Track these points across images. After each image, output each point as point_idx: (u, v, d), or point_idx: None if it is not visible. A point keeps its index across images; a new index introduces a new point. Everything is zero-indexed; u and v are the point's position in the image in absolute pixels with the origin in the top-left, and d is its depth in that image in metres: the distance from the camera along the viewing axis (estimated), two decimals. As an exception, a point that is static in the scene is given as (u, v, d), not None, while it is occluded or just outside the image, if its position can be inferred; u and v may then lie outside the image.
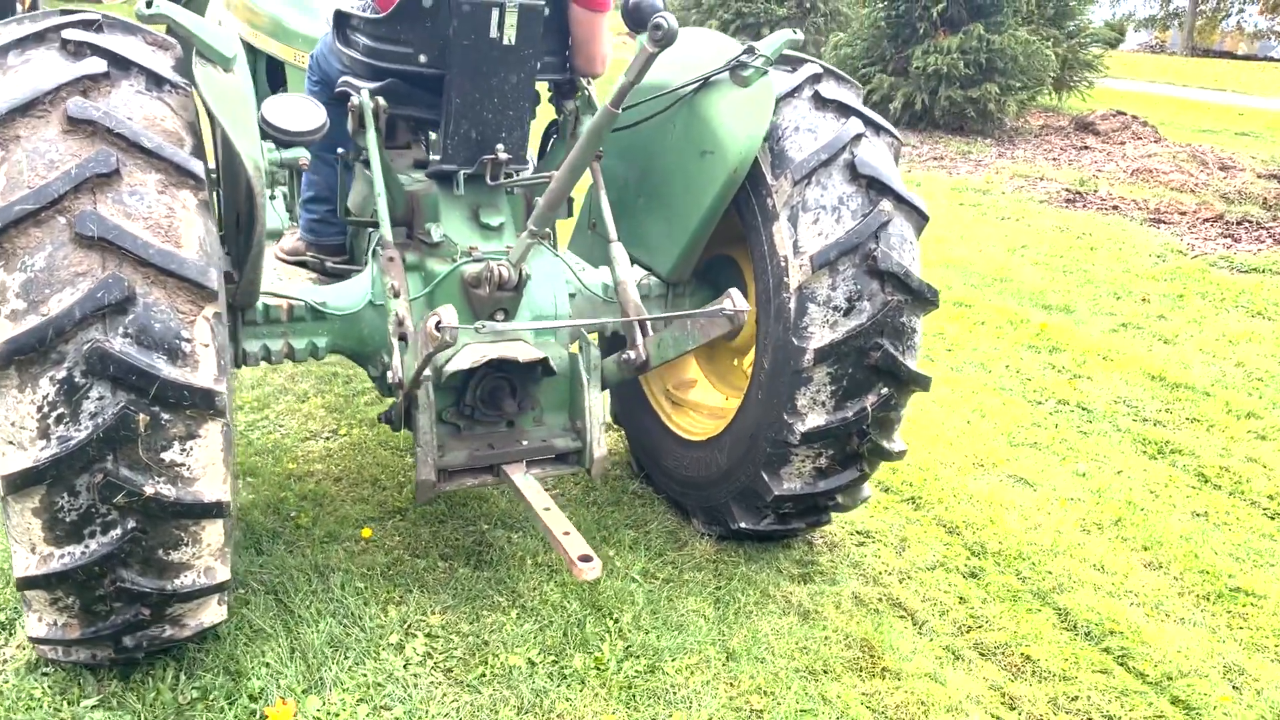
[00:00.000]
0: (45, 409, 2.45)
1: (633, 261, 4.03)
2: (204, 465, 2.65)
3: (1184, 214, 10.12)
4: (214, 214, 2.74)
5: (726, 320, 3.08)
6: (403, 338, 3.11)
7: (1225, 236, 9.36)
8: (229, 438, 2.72)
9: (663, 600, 3.62)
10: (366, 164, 4.04)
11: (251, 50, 5.18)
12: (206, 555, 2.79)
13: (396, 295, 3.18)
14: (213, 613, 2.97)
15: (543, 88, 3.76)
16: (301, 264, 4.11)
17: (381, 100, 3.28)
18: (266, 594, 3.48)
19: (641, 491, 4.36)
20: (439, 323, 2.70)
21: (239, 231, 3.11)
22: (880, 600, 3.76)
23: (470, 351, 3.24)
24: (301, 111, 2.99)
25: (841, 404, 3.45)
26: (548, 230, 3.51)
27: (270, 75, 5.17)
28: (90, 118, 2.53)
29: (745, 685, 3.24)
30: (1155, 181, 11.43)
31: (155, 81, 2.74)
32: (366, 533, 3.85)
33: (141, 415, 2.51)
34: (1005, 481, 4.72)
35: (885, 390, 3.47)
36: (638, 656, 3.32)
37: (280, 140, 2.95)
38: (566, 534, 3.00)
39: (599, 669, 3.26)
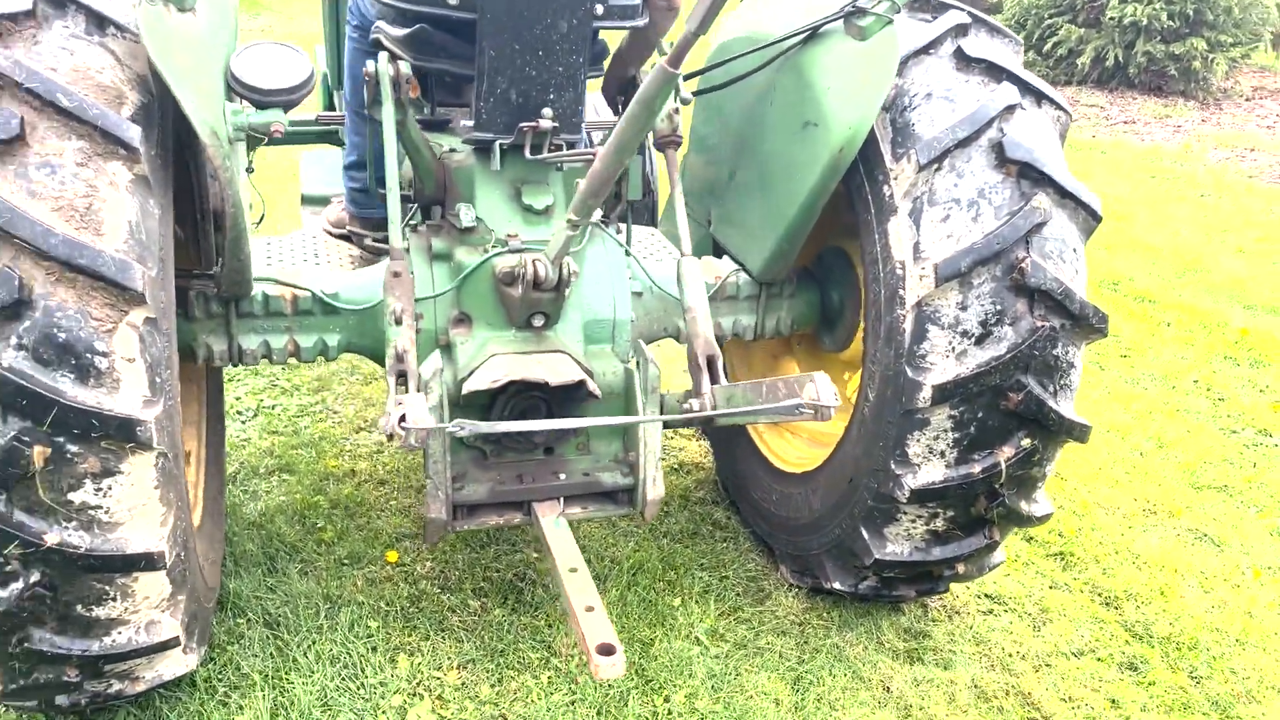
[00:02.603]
0: (-82, 436, 1.97)
1: (722, 254, 3.33)
2: (128, 508, 2.13)
3: None
4: (160, 191, 2.19)
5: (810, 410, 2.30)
6: (402, 377, 2.51)
7: None
8: (169, 474, 2.20)
9: (729, 674, 2.95)
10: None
11: None
12: (145, 609, 2.29)
13: (399, 322, 2.57)
14: (175, 664, 2.49)
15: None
16: (345, 238, 3.58)
17: (404, 67, 2.65)
18: (264, 627, 2.99)
19: (725, 523, 3.68)
20: (402, 419, 2.05)
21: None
22: (1006, 694, 2.98)
23: (491, 368, 2.62)
24: (279, 65, 2.40)
25: (966, 456, 2.67)
26: (599, 215, 2.84)
27: None
28: (-4, 69, 2.00)
29: (814, 809, 2.56)
30: (1393, 156, 9.79)
31: (98, 23, 2.20)
32: (393, 556, 3.32)
33: (39, 448, 2.00)
34: (1183, 537, 3.82)
35: (1027, 441, 2.67)
36: (685, 755, 2.68)
37: (254, 100, 2.38)
38: (590, 610, 2.36)
39: (634, 767, 2.63)
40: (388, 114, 2.65)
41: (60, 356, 1.99)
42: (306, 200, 3.88)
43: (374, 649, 2.94)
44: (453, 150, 2.96)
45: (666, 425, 2.79)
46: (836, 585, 3.08)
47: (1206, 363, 5.31)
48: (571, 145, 2.82)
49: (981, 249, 2.53)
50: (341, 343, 2.89)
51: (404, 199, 3.07)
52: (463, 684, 2.86)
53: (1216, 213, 8.04)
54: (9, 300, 1.93)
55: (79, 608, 2.19)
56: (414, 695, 2.81)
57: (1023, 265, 2.53)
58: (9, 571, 2.09)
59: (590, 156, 2.64)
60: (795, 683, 2.96)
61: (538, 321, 2.76)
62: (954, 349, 2.58)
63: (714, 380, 2.67)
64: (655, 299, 3.08)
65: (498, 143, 2.75)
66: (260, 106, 2.39)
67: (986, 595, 3.40)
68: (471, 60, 2.76)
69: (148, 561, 2.17)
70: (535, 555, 3.40)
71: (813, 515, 3.10)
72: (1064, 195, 2.61)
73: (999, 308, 2.56)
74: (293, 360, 2.89)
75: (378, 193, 3.10)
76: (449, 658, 2.94)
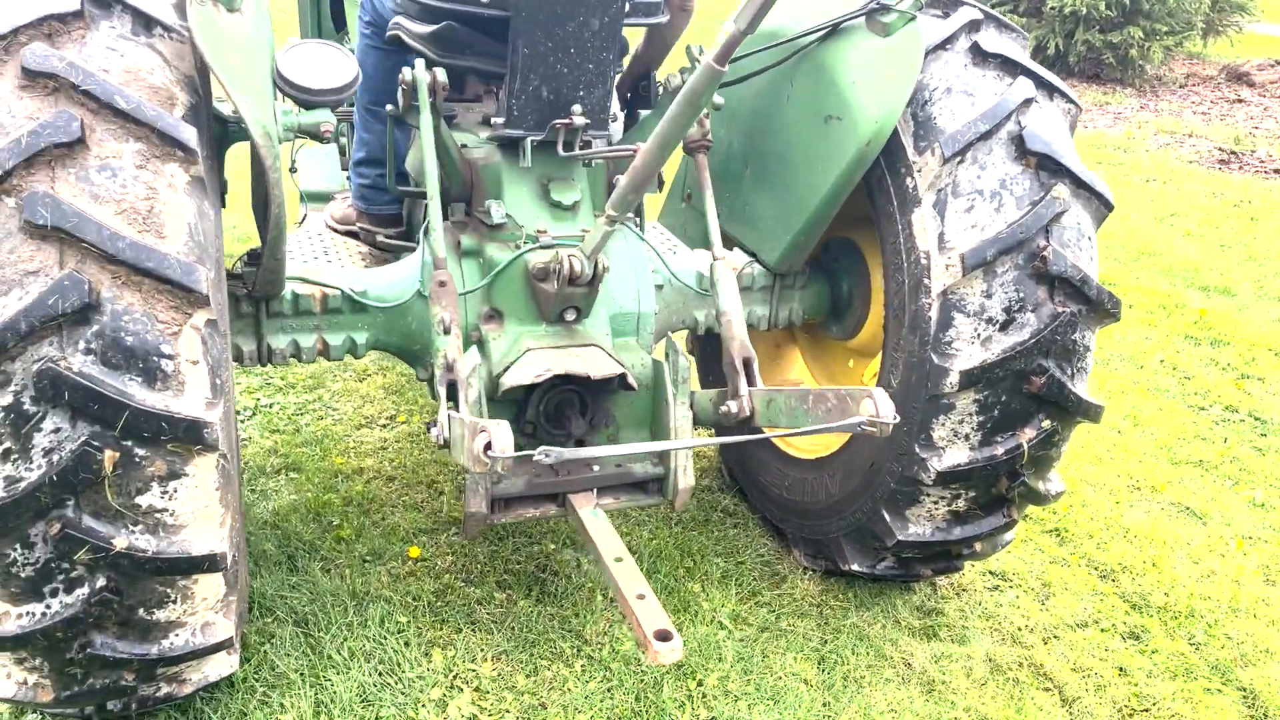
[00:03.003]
0: (-12, 443, 1.95)
1: (733, 245, 3.39)
2: (192, 511, 2.13)
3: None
4: (213, 192, 2.19)
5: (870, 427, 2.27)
6: (452, 387, 2.51)
7: None
8: (228, 475, 2.20)
9: (756, 657, 3.03)
10: None
11: None
12: (202, 611, 2.29)
13: (446, 331, 2.56)
14: (219, 665, 2.48)
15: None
16: (352, 235, 3.57)
17: (441, 75, 2.66)
18: (294, 626, 2.99)
19: (734, 509, 3.75)
20: (488, 445, 2.02)
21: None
22: (1020, 666, 3.10)
23: (532, 362, 2.65)
24: (326, 64, 2.40)
25: (990, 439, 2.78)
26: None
27: (334, 13, 4.62)
28: (51, 70, 1.99)
29: (856, 783, 2.64)
30: (1322, 141, 10.20)
31: (144, 23, 2.19)
32: (415, 551, 3.33)
33: (109, 452, 1.99)
34: (1167, 511, 3.98)
35: (1047, 423, 2.78)
36: (725, 737, 2.75)
37: (302, 100, 2.38)
38: (641, 598, 2.41)
39: (677, 752, 2.69)
40: (426, 123, 2.64)
41: (129, 360, 1.99)
42: (306, 197, 3.86)
43: (407, 644, 2.96)
44: (464, 145, 2.98)
45: (700, 422, 2.83)
46: (855, 567, 3.17)
47: (1170, 343, 5.52)
48: (598, 141, 2.85)
49: (1006, 239, 2.62)
50: (370, 340, 2.90)
51: (422, 196, 3.09)
52: (499, 675, 2.89)
53: (1163, 197, 8.32)
54: (79, 304, 1.92)
55: (141, 611, 2.18)
56: (452, 688, 2.84)
57: (1044, 254, 2.63)
58: (75, 577, 2.08)
59: (630, 153, 2.68)
60: (821, 663, 3.04)
61: (570, 316, 2.80)
62: (979, 335, 2.67)
63: (750, 383, 2.72)
64: (674, 291, 3.13)
65: (529, 139, 2.77)
66: (307, 106, 2.39)
67: (991, 572, 3.52)
68: (497, 57, 2.78)
69: (211, 563, 2.17)
70: (553, 547, 3.44)
71: (830, 499, 3.19)
72: (1079, 185, 2.71)
73: (1022, 295, 2.66)
74: (321, 359, 2.89)
75: (396, 190, 3.11)
76: (482, 650, 2.97)
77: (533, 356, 2.68)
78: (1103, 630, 3.30)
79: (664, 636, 2.28)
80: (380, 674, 2.85)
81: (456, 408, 2.47)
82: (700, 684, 2.91)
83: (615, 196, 2.50)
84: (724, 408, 2.74)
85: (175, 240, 2.05)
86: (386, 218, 3.45)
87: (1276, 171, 9.22)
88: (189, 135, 2.08)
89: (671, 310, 3.15)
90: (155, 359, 2.01)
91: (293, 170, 2.72)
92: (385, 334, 2.90)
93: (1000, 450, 2.77)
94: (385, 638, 2.97)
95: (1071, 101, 2.85)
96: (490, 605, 3.15)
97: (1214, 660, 3.19)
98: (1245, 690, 3.08)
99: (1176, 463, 4.34)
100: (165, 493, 2.08)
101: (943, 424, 2.76)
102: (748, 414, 2.69)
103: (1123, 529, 3.81)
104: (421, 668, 2.88)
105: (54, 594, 2.09)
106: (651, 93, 3.34)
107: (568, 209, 2.88)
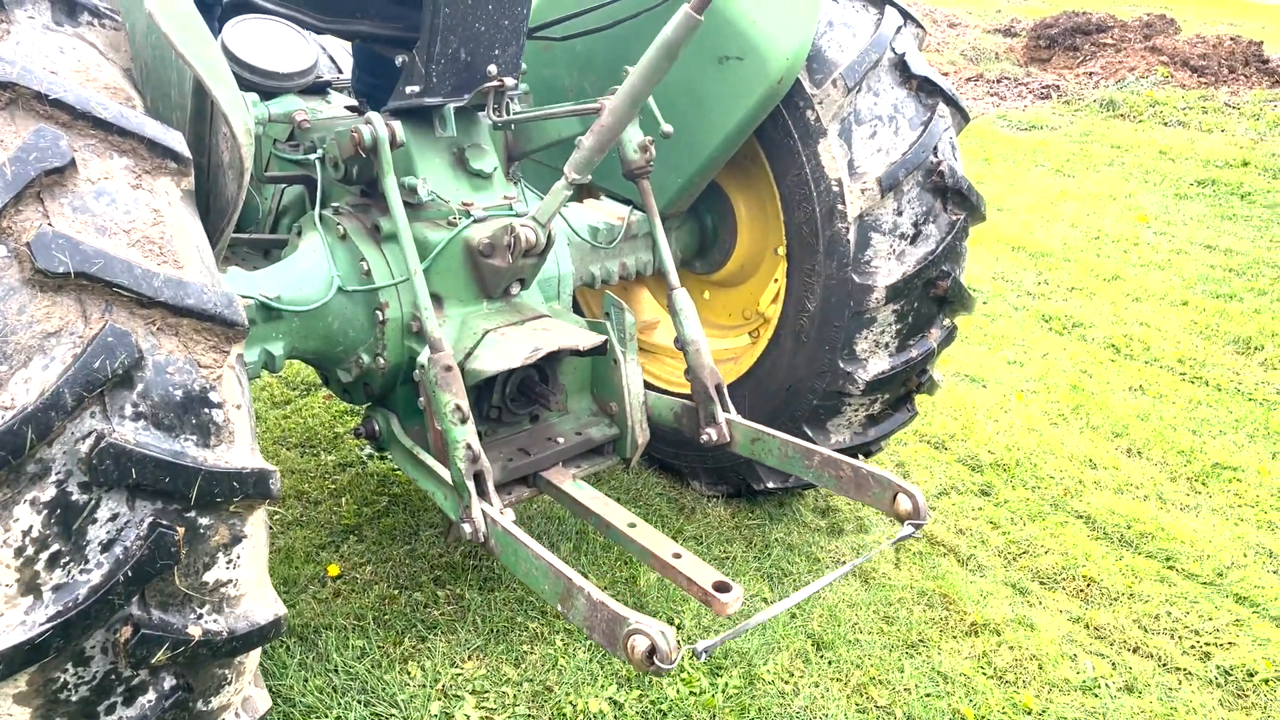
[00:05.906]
0: (30, 551, 1.56)
1: (600, 194, 3.37)
2: (250, 576, 1.85)
3: (945, 74, 10.37)
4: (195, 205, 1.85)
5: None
6: (479, 479, 2.35)
7: (992, 95, 9.69)
8: (266, 524, 1.92)
9: (712, 588, 3.13)
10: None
11: None
12: (246, 685, 2.00)
13: (464, 421, 2.34)
14: None
15: None
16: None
17: (398, 130, 2.35)
18: (242, 681, 2.65)
19: (616, 455, 3.78)
20: (652, 651, 1.88)
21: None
22: (917, 540, 3.46)
23: (505, 344, 2.51)
24: (279, 43, 2.07)
25: (905, 344, 3.04)
26: (495, 166, 2.73)
27: None
28: (4, 78, 1.58)
29: (856, 678, 2.85)
30: (903, 42, 11.65)
31: (66, 9, 1.79)
32: (334, 569, 3.06)
33: (179, 528, 1.67)
34: (953, 381, 4.55)
35: (948, 321, 3.09)
36: (727, 668, 2.84)
37: (261, 86, 2.03)
38: (678, 556, 2.42)
39: (695, 694, 2.75)
40: (391, 186, 2.35)
41: (181, 418, 1.66)
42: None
43: (377, 665, 2.74)
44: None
45: (657, 423, 2.88)
46: (770, 485, 3.35)
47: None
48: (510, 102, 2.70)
49: (911, 159, 2.85)
50: (286, 350, 2.58)
51: (299, 181, 2.77)
52: (487, 673, 2.77)
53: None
54: (129, 362, 1.57)
55: (200, 704, 1.87)
56: (449, 696, 2.68)
57: (940, 169, 2.89)
58: (137, 685, 1.73)
59: (594, 111, 2.56)
60: (770, 579, 3.21)
61: (515, 290, 2.67)
62: (895, 251, 2.90)
63: (724, 408, 2.72)
64: (574, 248, 3.06)
65: (449, 106, 2.57)
66: (265, 94, 2.04)
67: (855, 464, 3.86)
68: (391, 18, 2.54)
69: (275, 628, 1.89)
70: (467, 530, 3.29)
71: (738, 427, 3.32)
72: (948, 102, 2.99)
73: (925, 209, 2.91)
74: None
75: (263, 179, 2.75)
76: (457, 652, 2.82)
77: (496, 339, 2.54)
78: (961, 493, 3.75)
79: (723, 588, 2.32)
80: (368, 704, 2.62)
81: (484, 496, 2.32)
82: (680, 627, 2.97)
83: (579, 158, 2.41)
84: (703, 435, 2.73)
85: (193, 268, 1.73)
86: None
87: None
88: (179, 142, 1.74)
89: (576, 266, 3.08)
90: (206, 410, 1.70)
91: None
92: (302, 340, 2.60)
93: (915, 353, 3.04)
94: (352, 665, 2.73)
95: (919, 25, 3.11)
96: (440, 605, 2.98)
97: (1050, 499, 3.75)
98: (1084, 517, 3.66)
99: (938, 339, 4.94)
100: (229, 561, 1.78)
101: (865, 338, 2.98)
102: (728, 440, 2.73)
103: (931, 403, 4.31)
104: (406, 684, 2.69)
105: (110, 711, 1.73)
106: None
107: (487, 177, 2.71)
